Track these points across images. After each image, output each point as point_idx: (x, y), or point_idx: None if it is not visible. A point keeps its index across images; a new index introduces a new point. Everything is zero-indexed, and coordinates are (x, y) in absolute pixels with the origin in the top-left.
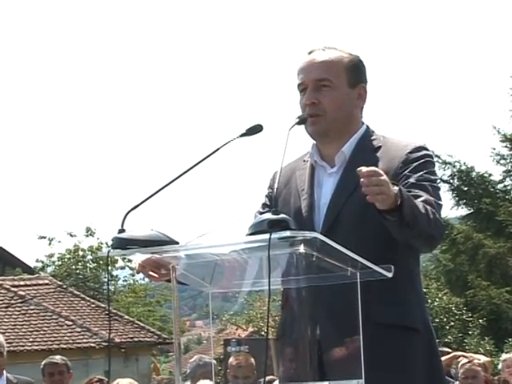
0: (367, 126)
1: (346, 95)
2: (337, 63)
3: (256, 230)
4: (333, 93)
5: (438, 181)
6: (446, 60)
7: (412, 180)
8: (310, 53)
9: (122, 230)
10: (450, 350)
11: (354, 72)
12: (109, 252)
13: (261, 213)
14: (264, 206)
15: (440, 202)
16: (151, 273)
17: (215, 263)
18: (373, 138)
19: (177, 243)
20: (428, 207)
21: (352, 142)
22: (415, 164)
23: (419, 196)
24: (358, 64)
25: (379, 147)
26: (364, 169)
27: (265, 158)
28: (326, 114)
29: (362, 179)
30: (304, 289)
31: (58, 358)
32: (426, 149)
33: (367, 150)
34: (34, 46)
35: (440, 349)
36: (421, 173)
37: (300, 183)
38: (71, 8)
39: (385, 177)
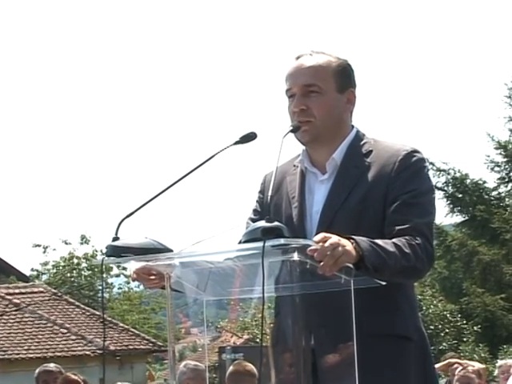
0: (357, 130)
1: (335, 100)
2: (325, 68)
3: (250, 237)
4: (321, 98)
5: (433, 185)
6: (440, 67)
7: (403, 197)
8: (297, 58)
9: (116, 238)
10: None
11: (343, 77)
12: (103, 260)
13: (252, 219)
14: (255, 212)
15: (429, 219)
16: (151, 277)
17: (209, 271)
18: (363, 142)
19: (171, 251)
20: (403, 241)
21: (342, 148)
22: (407, 173)
23: (409, 221)
24: (347, 68)
25: (370, 151)
26: (315, 238)
27: (259, 165)
28: (316, 119)
29: (315, 255)
30: (298, 296)
31: (52, 366)
32: (418, 152)
33: (358, 155)
34: (34, 46)
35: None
36: (413, 184)
37: (291, 190)
38: (71, 8)
39: (334, 238)
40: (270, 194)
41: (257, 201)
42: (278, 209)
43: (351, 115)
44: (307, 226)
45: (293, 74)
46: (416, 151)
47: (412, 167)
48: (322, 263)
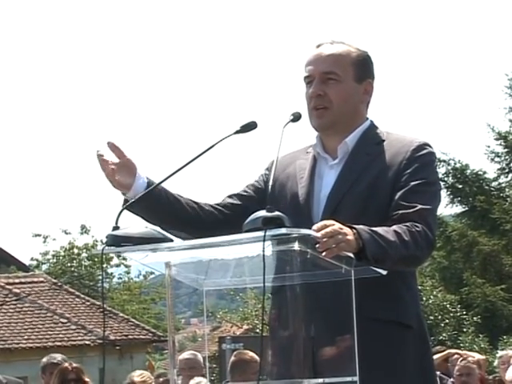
0: (371, 121)
1: (352, 89)
2: (344, 57)
3: (251, 227)
4: (339, 86)
5: (439, 179)
6: (441, 58)
7: (411, 184)
8: (318, 46)
9: (116, 228)
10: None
11: (361, 67)
12: (103, 249)
13: (247, 186)
14: (254, 183)
15: (433, 207)
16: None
17: (210, 260)
18: (377, 132)
19: (171, 240)
20: (404, 228)
21: (356, 134)
22: (418, 163)
23: (413, 206)
24: (366, 59)
25: (382, 141)
26: (315, 226)
27: (259, 155)
28: (333, 106)
29: (318, 234)
30: (298, 286)
31: (59, 359)
32: (430, 146)
33: (370, 142)
34: (34, 45)
35: (436, 347)
36: (423, 174)
37: (300, 171)
38: (71, 8)
39: (336, 225)
40: (271, 183)
41: (262, 174)
42: (283, 188)
43: (367, 106)
44: (313, 207)
45: (312, 61)
46: (428, 144)
47: (423, 158)
48: (324, 240)
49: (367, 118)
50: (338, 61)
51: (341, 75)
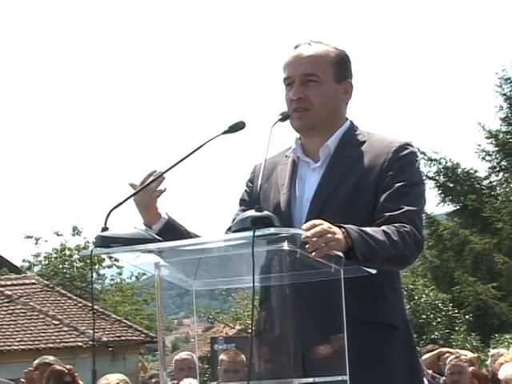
0: (351, 122)
1: (333, 90)
2: (324, 58)
3: (240, 227)
4: (320, 88)
5: (423, 178)
6: (431, 57)
7: (395, 186)
8: (296, 47)
9: (105, 229)
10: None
11: (341, 67)
12: (92, 250)
13: (243, 211)
14: (242, 201)
15: (419, 208)
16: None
17: (199, 260)
18: (357, 132)
19: (160, 241)
20: (392, 228)
21: (337, 136)
22: (400, 164)
23: (399, 208)
24: (345, 59)
25: (363, 142)
26: (304, 226)
27: (248, 155)
28: (313, 108)
29: (305, 235)
30: (288, 286)
31: (51, 359)
32: (411, 145)
33: (351, 144)
34: (33, 45)
35: (428, 346)
36: (406, 174)
37: (280, 178)
38: (71, 8)
39: (325, 225)
40: (259, 182)
41: (245, 190)
42: (267, 197)
43: (346, 106)
44: (295, 213)
45: (291, 63)
46: (409, 144)
47: (405, 159)
48: (313, 240)
49: (347, 119)
50: (318, 62)
51: (321, 76)
